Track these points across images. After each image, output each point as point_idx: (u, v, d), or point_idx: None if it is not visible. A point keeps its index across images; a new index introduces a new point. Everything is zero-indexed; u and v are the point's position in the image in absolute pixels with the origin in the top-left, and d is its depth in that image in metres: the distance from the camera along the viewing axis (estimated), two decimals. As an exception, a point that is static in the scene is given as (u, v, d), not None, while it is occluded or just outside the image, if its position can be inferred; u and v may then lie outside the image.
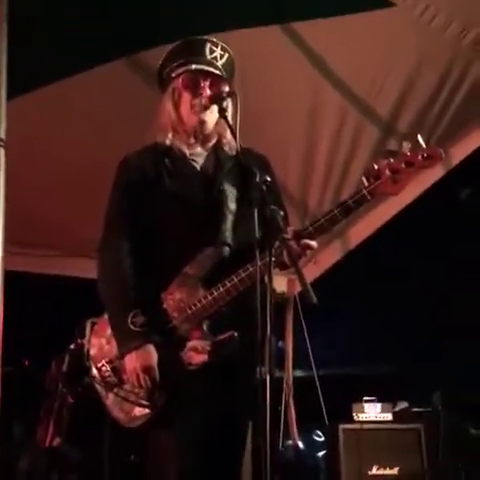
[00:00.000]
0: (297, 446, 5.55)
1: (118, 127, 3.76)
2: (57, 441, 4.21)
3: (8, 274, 2.31)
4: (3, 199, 2.32)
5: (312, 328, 5.61)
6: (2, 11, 2.50)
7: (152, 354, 2.11)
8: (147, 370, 2.10)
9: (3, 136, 2.38)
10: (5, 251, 2.37)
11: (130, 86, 3.66)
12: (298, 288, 5.55)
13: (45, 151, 4.03)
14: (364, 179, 2.03)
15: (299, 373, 5.97)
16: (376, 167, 2.02)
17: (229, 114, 2.21)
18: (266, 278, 1.89)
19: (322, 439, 5.59)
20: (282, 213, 1.94)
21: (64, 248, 5.03)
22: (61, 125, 3.89)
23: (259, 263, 1.82)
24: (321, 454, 5.35)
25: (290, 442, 5.58)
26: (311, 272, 4.97)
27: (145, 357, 2.10)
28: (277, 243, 1.91)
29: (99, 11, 3.40)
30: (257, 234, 1.82)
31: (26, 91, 3.60)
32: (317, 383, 5.44)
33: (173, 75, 2.34)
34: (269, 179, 1.94)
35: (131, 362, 2.11)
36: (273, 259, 1.85)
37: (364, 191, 2.03)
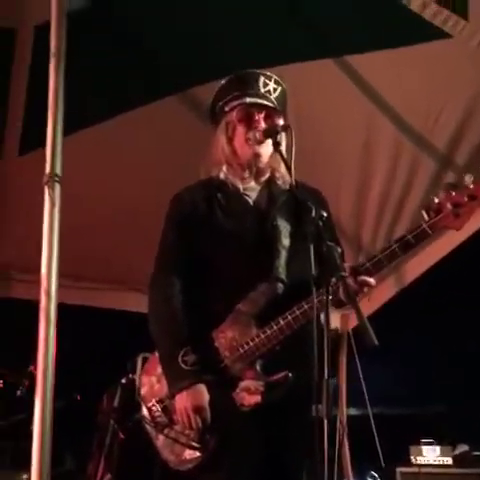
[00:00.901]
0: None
1: (171, 163, 3.77)
2: (107, 477, 4.18)
3: (61, 307, 2.30)
4: (58, 234, 2.33)
5: (366, 365, 5.46)
6: (61, 50, 2.54)
7: (203, 394, 2.06)
8: (198, 410, 2.04)
9: (59, 172, 2.40)
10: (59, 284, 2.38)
11: (182, 122, 3.69)
12: (351, 324, 5.43)
13: (99, 186, 4.08)
14: (424, 213, 1.97)
15: (353, 412, 5.81)
16: (437, 201, 1.96)
17: (283, 148, 2.18)
18: (322, 316, 1.82)
19: (377, 482, 5.39)
20: (339, 249, 1.88)
21: (117, 282, 5.07)
22: (115, 161, 3.94)
23: (315, 300, 1.76)
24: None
25: (344, 484, 5.40)
26: (365, 309, 4.83)
27: (196, 397, 2.05)
28: (334, 280, 1.84)
29: (149, 47, 3.45)
30: (313, 270, 1.76)
31: (80, 128, 3.67)
32: (372, 422, 5.27)
33: (226, 109, 2.33)
34: (325, 214, 1.89)
35: (182, 402, 2.06)
36: (330, 297, 1.79)
37: (425, 226, 1.97)
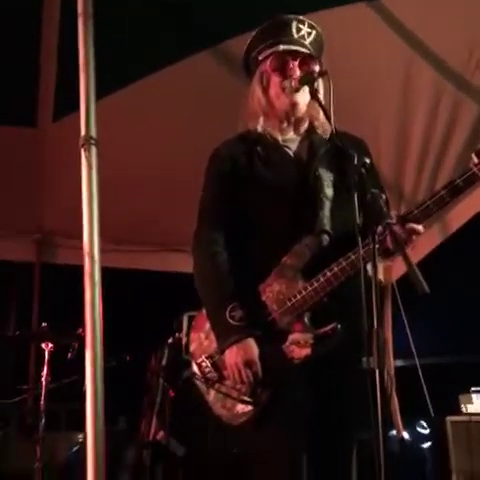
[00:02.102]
0: (402, 437, 5.39)
1: (206, 119, 3.74)
2: (161, 435, 4.26)
3: (105, 271, 2.31)
4: (97, 197, 2.33)
5: (412, 316, 5.42)
6: (88, 10, 2.50)
7: (253, 348, 2.05)
8: (249, 364, 2.03)
9: (94, 134, 2.38)
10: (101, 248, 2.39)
11: (216, 78, 3.63)
12: (395, 276, 5.37)
13: (136, 147, 4.08)
14: (474, 156, 1.89)
15: (400, 363, 5.79)
16: (488, 143, 1.89)
17: (321, 95, 2.12)
18: (369, 267, 1.78)
19: (427, 431, 5.40)
20: (384, 197, 1.83)
21: (158, 244, 5.10)
22: (150, 120, 3.93)
23: (361, 251, 1.72)
24: (426, 446, 5.17)
25: (394, 433, 5.43)
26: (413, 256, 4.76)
27: (246, 351, 2.04)
28: (380, 229, 1.80)
29: (179, 4, 3.38)
30: (358, 219, 1.72)
31: (115, 89, 3.65)
32: (420, 373, 5.25)
33: (260, 58, 2.26)
34: (368, 161, 1.83)
35: (231, 357, 2.05)
36: (377, 246, 1.75)
37: (475, 169, 1.89)
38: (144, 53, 3.62)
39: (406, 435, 5.41)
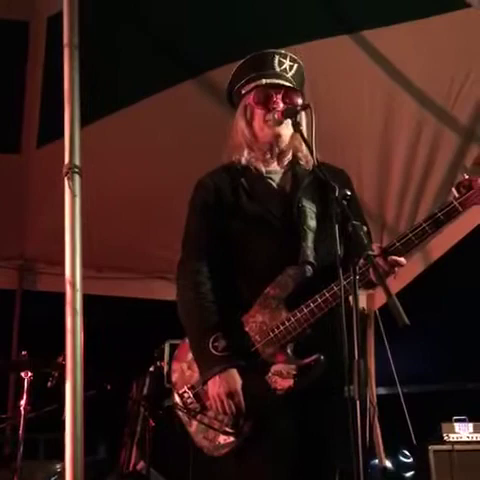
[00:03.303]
0: (384, 467, 5.36)
1: (191, 148, 3.76)
2: (141, 465, 4.21)
3: (85, 298, 2.30)
4: (80, 225, 2.32)
5: (394, 345, 5.43)
6: (73, 41, 2.52)
7: (235, 379, 2.04)
8: (231, 396, 2.03)
9: (78, 163, 2.38)
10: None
11: (200, 106, 3.66)
12: (378, 304, 5.40)
13: (119, 174, 4.08)
14: (454, 190, 1.92)
15: (382, 391, 5.79)
16: (467, 177, 1.91)
17: (303, 127, 2.15)
18: (351, 298, 1.79)
19: (410, 460, 5.39)
20: (365, 228, 1.84)
21: (140, 271, 5.08)
22: (133, 148, 3.94)
23: (343, 282, 1.73)
24: (409, 475, 5.16)
25: (376, 462, 5.40)
26: (391, 287, 4.78)
27: (229, 382, 2.03)
28: (362, 261, 1.81)
29: (164, 36, 3.42)
30: (339, 251, 1.73)
31: (96, 119, 3.66)
32: (402, 401, 5.25)
33: (243, 92, 2.29)
34: (349, 193, 1.85)
35: (214, 388, 2.05)
36: (358, 278, 1.76)
37: (455, 203, 1.92)
38: (129, 82, 3.65)
39: (389, 464, 5.40)
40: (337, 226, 1.78)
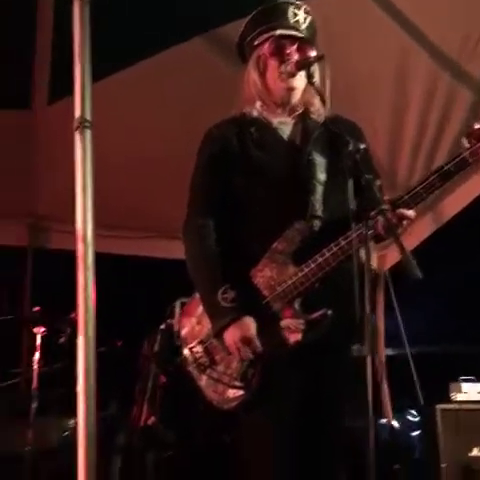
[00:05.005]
0: (392, 425, 5.42)
1: (202, 103, 3.72)
2: (152, 420, 4.27)
3: (98, 256, 2.30)
4: (91, 181, 2.31)
5: (403, 306, 5.44)
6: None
7: (250, 325, 2.04)
8: (247, 341, 2.02)
9: (89, 117, 2.36)
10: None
11: (210, 62, 3.62)
12: (388, 264, 5.38)
13: (131, 131, 4.05)
14: (464, 140, 1.88)
15: (390, 352, 5.82)
16: (478, 126, 1.87)
17: (316, 80, 2.11)
18: (361, 252, 1.78)
19: (417, 419, 5.44)
20: (378, 182, 1.83)
21: (151, 229, 5.08)
22: (145, 104, 3.91)
23: (354, 235, 1.72)
24: (416, 434, 5.21)
25: (384, 421, 5.46)
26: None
27: (243, 329, 2.03)
28: (373, 214, 1.79)
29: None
30: (351, 205, 1.71)
31: (108, 74, 3.63)
32: (411, 361, 5.28)
33: (256, 43, 2.24)
34: (363, 146, 1.83)
35: (229, 337, 2.04)
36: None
37: (465, 153, 1.89)
38: (140, 38, 3.60)
39: (396, 423, 5.45)
40: (350, 180, 1.76)
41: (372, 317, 1.64)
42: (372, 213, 1.77)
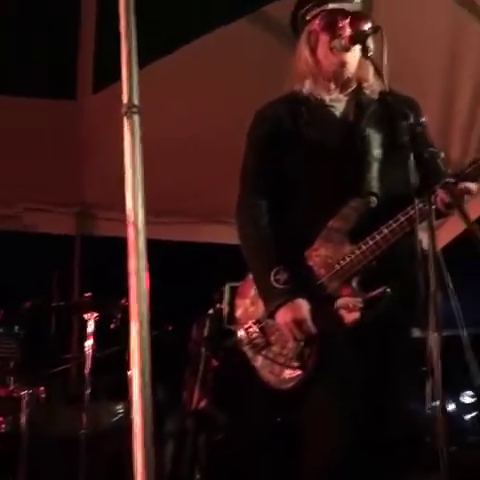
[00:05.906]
0: (445, 408, 5.34)
1: (249, 86, 3.68)
2: (203, 403, 4.29)
3: (148, 242, 2.30)
4: (141, 166, 2.30)
5: (459, 284, 5.32)
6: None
7: (302, 307, 2.01)
8: (299, 323, 2.00)
9: (137, 102, 2.35)
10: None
11: (257, 43, 3.58)
12: (441, 244, 5.26)
13: (177, 116, 4.05)
14: None
15: (445, 333, 5.71)
16: None
17: (372, 53, 2.03)
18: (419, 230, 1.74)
19: (472, 400, 5.34)
20: (442, 154, 1.76)
21: (199, 215, 5.08)
22: (192, 89, 3.90)
23: (418, 210, 1.66)
24: (470, 417, 5.13)
25: (437, 403, 5.38)
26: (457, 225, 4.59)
27: (296, 310, 2.01)
28: (437, 187, 1.73)
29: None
30: (413, 180, 1.66)
31: (155, 59, 3.63)
32: (467, 342, 5.17)
33: (308, 18, 2.19)
34: (424, 120, 1.76)
35: (282, 318, 2.02)
36: (423, 208, 1.69)
37: None
38: (184, 21, 3.59)
39: (451, 405, 5.37)
40: (411, 154, 1.70)
41: (438, 294, 1.59)
42: (436, 186, 1.71)
